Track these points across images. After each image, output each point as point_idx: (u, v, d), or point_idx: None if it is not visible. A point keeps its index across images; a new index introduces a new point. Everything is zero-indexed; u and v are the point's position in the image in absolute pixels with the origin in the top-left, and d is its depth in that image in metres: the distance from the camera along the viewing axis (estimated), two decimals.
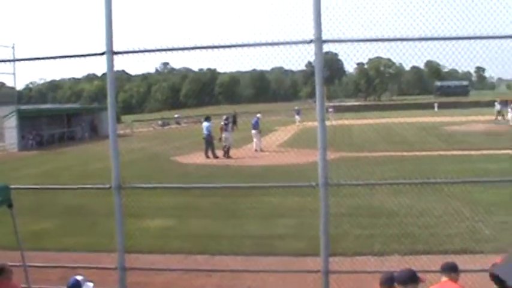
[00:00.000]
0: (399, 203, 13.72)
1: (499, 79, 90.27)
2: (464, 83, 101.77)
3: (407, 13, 7.56)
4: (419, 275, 5.59)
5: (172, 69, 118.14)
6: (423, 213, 13.16)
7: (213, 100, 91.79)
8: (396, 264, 8.65)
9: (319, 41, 7.35)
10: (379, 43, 7.66)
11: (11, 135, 42.47)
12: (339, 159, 21.51)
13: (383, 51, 8.06)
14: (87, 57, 8.31)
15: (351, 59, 8.55)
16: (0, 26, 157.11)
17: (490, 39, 7.42)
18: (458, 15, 7.38)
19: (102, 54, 7.90)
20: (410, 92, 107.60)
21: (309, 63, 11.06)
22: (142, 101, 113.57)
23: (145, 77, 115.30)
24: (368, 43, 7.69)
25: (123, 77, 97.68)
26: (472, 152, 23.38)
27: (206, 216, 14.80)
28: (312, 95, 9.54)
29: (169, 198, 16.01)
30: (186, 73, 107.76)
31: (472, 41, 7.47)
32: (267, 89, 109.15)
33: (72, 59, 8.58)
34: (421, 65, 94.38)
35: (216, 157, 28.15)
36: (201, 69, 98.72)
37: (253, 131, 30.55)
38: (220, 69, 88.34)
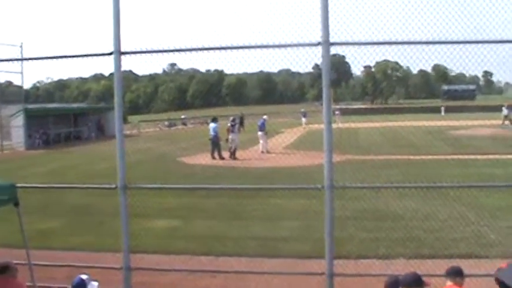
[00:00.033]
0: (405, 206, 13.71)
1: (507, 84, 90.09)
2: (472, 87, 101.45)
3: (415, 16, 7.55)
4: (424, 279, 5.57)
5: (180, 70, 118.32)
6: (428, 217, 13.12)
7: (220, 101, 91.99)
8: (401, 267, 8.63)
9: (326, 43, 7.35)
10: (387, 46, 7.67)
11: (18, 134, 42.59)
12: (345, 161, 21.51)
13: (390, 54, 8.08)
14: (95, 57, 8.34)
15: (358, 61, 8.58)
16: (9, 25, 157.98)
17: (498, 43, 7.40)
18: (466, 19, 7.38)
19: (110, 54, 7.92)
20: (417, 95, 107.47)
21: (316, 65, 11.05)
22: (149, 101, 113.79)
23: (152, 77, 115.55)
24: (375, 46, 7.69)
25: (130, 77, 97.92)
26: (479, 157, 23.28)
27: (211, 217, 14.80)
28: (318, 97, 9.53)
29: (174, 198, 16.05)
30: (193, 74, 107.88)
31: (480, 45, 7.45)
32: (274, 90, 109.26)
33: (79, 58, 8.62)
34: (428, 69, 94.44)
35: (222, 158, 28.16)
36: (208, 70, 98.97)
37: (260, 133, 30.55)
38: (227, 71, 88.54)
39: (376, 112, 68.26)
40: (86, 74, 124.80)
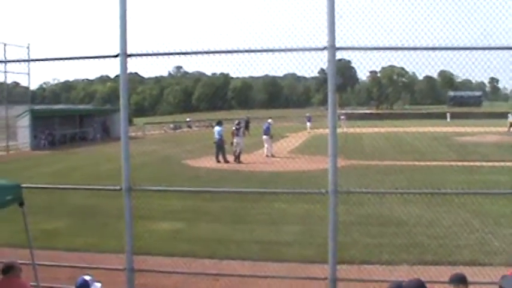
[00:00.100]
0: (409, 212, 13.69)
1: None
2: (478, 93, 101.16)
3: (422, 22, 7.54)
4: (428, 285, 5.55)
5: (186, 72, 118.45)
6: (433, 224, 13.10)
7: (226, 105, 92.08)
8: (404, 274, 8.63)
9: (332, 48, 7.35)
10: (393, 52, 7.65)
11: (24, 135, 42.80)
12: (349, 166, 21.50)
13: (396, 59, 8.04)
14: (101, 59, 8.36)
15: (364, 66, 8.56)
16: (16, 27, 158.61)
17: (504, 50, 7.38)
18: (472, 25, 7.36)
19: (116, 56, 7.93)
20: (423, 101, 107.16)
21: (322, 70, 11.03)
22: (154, 103, 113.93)
23: (158, 79, 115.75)
24: (381, 51, 7.67)
25: (136, 79, 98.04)
26: (484, 163, 23.21)
27: (215, 220, 14.80)
28: (324, 102, 9.53)
29: (179, 201, 16.09)
30: (199, 77, 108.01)
31: (487, 51, 7.43)
32: (280, 94, 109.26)
33: (86, 60, 8.65)
34: (435, 75, 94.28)
35: (226, 161, 28.19)
36: (214, 74, 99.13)
37: (264, 137, 30.54)
38: (233, 74, 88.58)
39: (382, 117, 68.19)
40: (92, 76, 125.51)
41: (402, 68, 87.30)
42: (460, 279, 5.88)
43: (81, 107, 72.44)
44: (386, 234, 12.64)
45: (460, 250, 11.41)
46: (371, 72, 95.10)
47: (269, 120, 32.67)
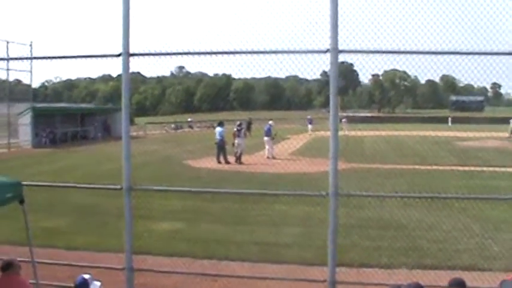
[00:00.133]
0: (409, 216, 13.68)
1: None
2: (480, 98, 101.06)
3: (425, 26, 7.55)
4: None
5: (188, 73, 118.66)
6: (432, 228, 13.09)
7: (227, 105, 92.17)
8: (403, 277, 8.63)
9: (335, 50, 7.35)
10: (395, 55, 7.65)
11: (25, 132, 42.87)
12: (350, 169, 21.49)
13: (399, 63, 8.03)
14: (103, 58, 8.37)
15: (366, 70, 8.62)
16: (19, 24, 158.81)
17: (507, 55, 7.38)
18: (475, 30, 7.36)
19: (118, 55, 7.93)
20: (424, 105, 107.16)
21: (324, 72, 11.07)
22: (156, 103, 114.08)
23: (160, 79, 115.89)
24: (384, 55, 7.67)
25: (138, 79, 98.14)
26: (485, 168, 23.18)
27: (215, 221, 14.79)
28: (326, 104, 9.54)
29: (179, 201, 16.10)
30: (201, 77, 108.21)
31: (489, 56, 7.43)
32: (282, 96, 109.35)
33: (88, 59, 8.66)
34: (437, 79, 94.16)
35: (227, 162, 28.21)
36: (216, 74, 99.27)
37: (266, 138, 30.55)
38: (235, 75, 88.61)
39: (383, 121, 68.05)
40: (94, 75, 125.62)
41: (404, 72, 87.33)
42: (459, 284, 5.87)
43: (82, 105, 72.70)
44: (386, 238, 12.63)
45: (459, 255, 11.40)
46: (373, 75, 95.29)
47: (270, 122, 32.72)
